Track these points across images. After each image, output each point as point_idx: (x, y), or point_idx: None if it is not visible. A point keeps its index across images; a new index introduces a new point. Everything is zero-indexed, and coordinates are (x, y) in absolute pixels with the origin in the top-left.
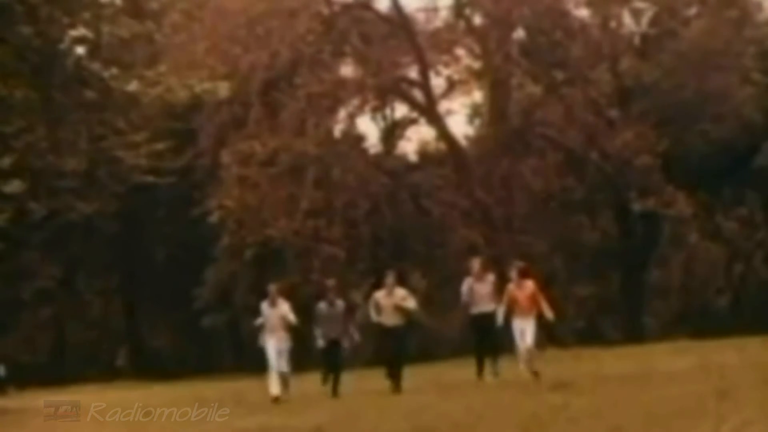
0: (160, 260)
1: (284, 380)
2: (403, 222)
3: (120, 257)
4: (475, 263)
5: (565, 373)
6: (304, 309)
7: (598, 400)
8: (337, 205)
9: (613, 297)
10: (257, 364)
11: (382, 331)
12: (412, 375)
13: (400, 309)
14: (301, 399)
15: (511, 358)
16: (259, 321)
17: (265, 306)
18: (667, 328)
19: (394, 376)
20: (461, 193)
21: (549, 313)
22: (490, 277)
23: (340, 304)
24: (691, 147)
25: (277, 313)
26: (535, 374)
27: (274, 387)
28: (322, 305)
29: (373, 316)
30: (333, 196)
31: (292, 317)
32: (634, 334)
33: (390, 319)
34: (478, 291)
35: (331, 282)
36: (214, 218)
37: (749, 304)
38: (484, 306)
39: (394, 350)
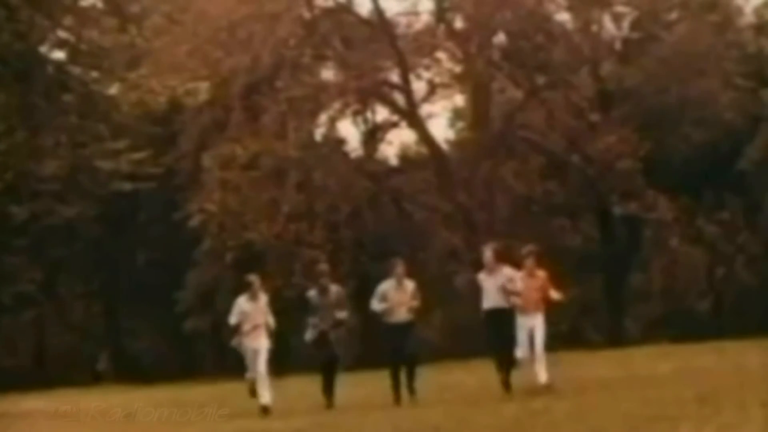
0: (142, 264)
1: (263, 384)
2: (384, 225)
3: (101, 261)
4: (488, 252)
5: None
6: (284, 312)
7: (579, 404)
8: (319, 208)
9: (595, 300)
10: (239, 368)
11: (389, 328)
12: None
13: (411, 308)
14: (282, 402)
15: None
16: (233, 320)
17: (243, 301)
18: (648, 331)
19: (408, 385)
20: (443, 197)
21: (556, 295)
22: (506, 270)
23: (334, 290)
24: (673, 151)
25: (258, 308)
26: (547, 386)
27: (265, 396)
28: (312, 293)
29: (377, 307)
30: (314, 199)
31: (270, 318)
32: (616, 338)
33: (397, 316)
34: (491, 286)
35: (323, 266)
36: (195, 222)
37: (730, 308)
38: (498, 301)
39: (407, 350)
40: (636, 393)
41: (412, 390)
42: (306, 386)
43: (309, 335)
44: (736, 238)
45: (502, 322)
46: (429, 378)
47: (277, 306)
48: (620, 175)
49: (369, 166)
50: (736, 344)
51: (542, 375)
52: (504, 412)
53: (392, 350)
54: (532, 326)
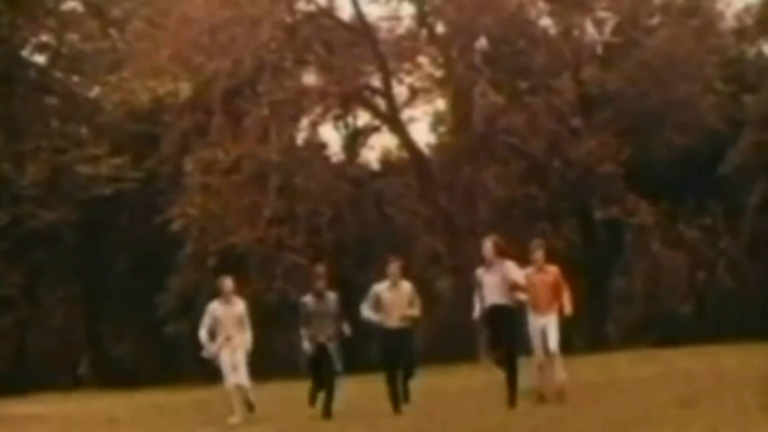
0: (123, 268)
1: (245, 395)
2: (366, 230)
3: (82, 265)
4: (487, 244)
5: (530, 380)
6: (265, 317)
7: (562, 408)
8: (300, 212)
9: (577, 305)
10: (220, 373)
11: (385, 334)
12: (374, 383)
13: (405, 317)
14: (263, 407)
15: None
16: (203, 331)
17: (216, 305)
18: (630, 335)
19: (402, 391)
20: (424, 201)
21: (569, 307)
22: (508, 264)
23: (331, 297)
24: (654, 155)
25: (233, 312)
26: (559, 394)
27: (237, 413)
28: (308, 299)
29: (370, 316)
30: (296, 203)
31: (248, 328)
32: (598, 342)
33: (392, 321)
34: (489, 281)
35: (320, 268)
36: (176, 226)
37: (712, 312)
38: (497, 298)
39: (401, 359)
40: (618, 397)
41: (406, 398)
42: (287, 391)
43: (309, 347)
44: (717, 243)
45: (504, 321)
46: (412, 381)
47: (257, 311)
48: (602, 179)
49: (350, 170)
50: (718, 348)
51: (556, 377)
52: (486, 416)
53: (388, 357)
54: (544, 326)
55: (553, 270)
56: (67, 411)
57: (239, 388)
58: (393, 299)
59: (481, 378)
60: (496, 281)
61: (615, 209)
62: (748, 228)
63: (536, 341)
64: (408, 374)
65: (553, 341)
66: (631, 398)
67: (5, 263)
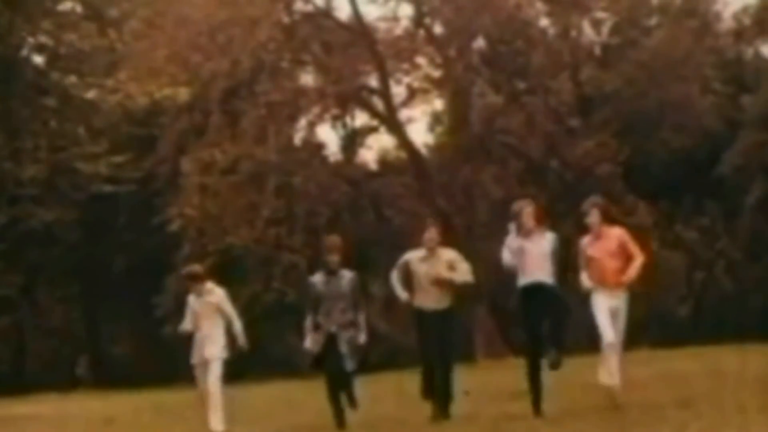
0: (121, 268)
1: (221, 402)
2: (364, 230)
3: (80, 265)
4: (528, 210)
5: (526, 381)
6: (263, 317)
7: (558, 409)
8: (298, 213)
9: (575, 305)
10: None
11: (420, 317)
12: (370, 384)
13: (445, 284)
14: (262, 407)
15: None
16: (188, 325)
17: (192, 298)
18: (628, 336)
19: (440, 393)
20: (422, 202)
21: (631, 273)
22: (548, 234)
23: (346, 275)
24: (652, 156)
25: (207, 305)
26: (611, 395)
27: (216, 422)
28: (317, 278)
29: (400, 292)
30: (294, 204)
31: (230, 310)
32: (596, 343)
33: (429, 300)
34: (529, 252)
35: (333, 239)
36: (174, 226)
37: (710, 313)
38: (538, 274)
39: (438, 351)
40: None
41: (444, 409)
42: (284, 392)
43: (310, 342)
44: (715, 244)
45: (545, 303)
46: (408, 383)
47: (255, 310)
48: (599, 180)
49: (348, 170)
50: (716, 349)
51: (613, 374)
52: (483, 416)
53: (425, 349)
54: (613, 308)
55: (616, 233)
56: (65, 411)
57: (211, 394)
58: (428, 271)
59: (479, 378)
60: (538, 252)
61: (612, 210)
62: (745, 228)
63: (605, 325)
64: (445, 376)
65: (618, 331)
66: (629, 399)
67: (3, 263)
